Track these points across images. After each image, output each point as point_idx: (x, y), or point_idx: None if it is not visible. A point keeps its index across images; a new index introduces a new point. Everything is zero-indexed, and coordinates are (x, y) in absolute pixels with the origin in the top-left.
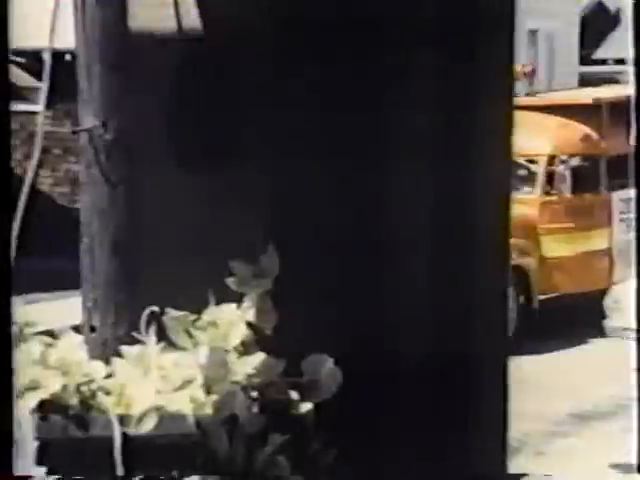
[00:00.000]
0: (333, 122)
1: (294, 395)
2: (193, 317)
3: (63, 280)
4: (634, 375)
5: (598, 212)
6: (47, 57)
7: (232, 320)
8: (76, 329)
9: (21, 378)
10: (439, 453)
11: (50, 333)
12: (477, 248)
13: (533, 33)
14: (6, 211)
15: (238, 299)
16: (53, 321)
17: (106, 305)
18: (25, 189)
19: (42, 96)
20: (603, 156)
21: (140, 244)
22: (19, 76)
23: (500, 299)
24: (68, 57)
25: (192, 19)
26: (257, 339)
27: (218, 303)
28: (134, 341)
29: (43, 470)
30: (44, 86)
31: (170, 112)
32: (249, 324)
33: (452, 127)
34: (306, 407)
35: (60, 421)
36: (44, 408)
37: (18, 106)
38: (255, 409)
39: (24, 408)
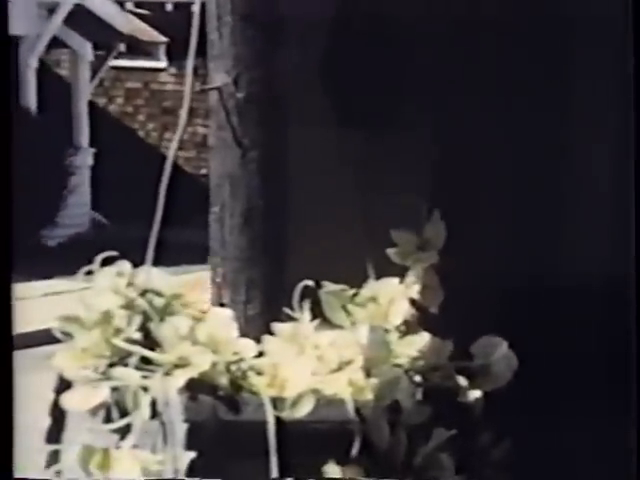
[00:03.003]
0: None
1: (462, 381)
2: (352, 292)
3: (188, 253)
4: None
5: None
6: (196, 8)
7: (394, 296)
8: None
9: (169, 354)
10: (621, 443)
11: None
12: None
13: None
14: (6, 203)
15: (401, 273)
16: None
17: (237, 281)
18: (169, 160)
19: (190, 52)
20: None
21: (276, 213)
22: (141, 30)
23: None
24: (195, 8)
25: None
26: (421, 318)
27: (378, 277)
28: (271, 320)
29: (191, 456)
30: (192, 42)
31: (322, 68)
32: (412, 301)
33: None
34: (475, 395)
35: (210, 402)
36: (193, 387)
37: (140, 62)
38: (419, 396)
39: (172, 387)
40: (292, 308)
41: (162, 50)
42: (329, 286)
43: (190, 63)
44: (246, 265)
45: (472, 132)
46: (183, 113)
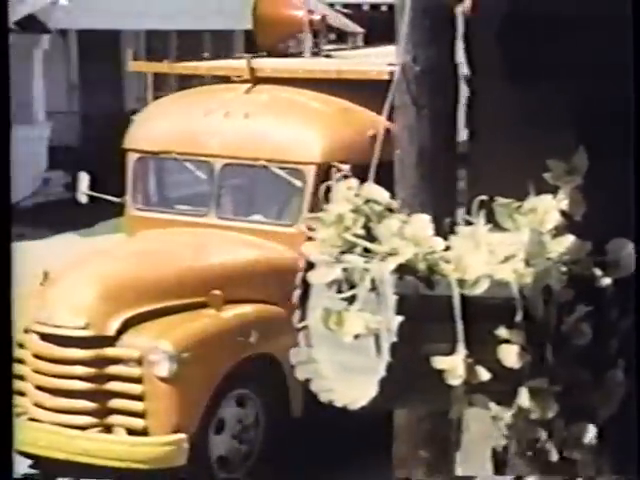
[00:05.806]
0: None
1: (597, 272)
2: (517, 204)
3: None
4: None
5: None
6: (408, 3)
7: (548, 208)
8: None
9: (384, 246)
10: None
11: None
12: None
13: None
14: (6, 195)
15: (553, 191)
16: None
17: (412, 203)
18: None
19: (401, 39)
20: None
21: (444, 154)
22: (346, 23)
23: None
24: (384, 8)
25: None
26: (568, 224)
27: (537, 194)
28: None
29: (400, 319)
30: (402, 32)
31: (486, 42)
32: (562, 212)
33: None
34: (607, 281)
35: (413, 281)
36: (401, 270)
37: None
38: (565, 282)
39: (386, 269)
40: (470, 214)
41: (360, 38)
42: (500, 200)
43: (400, 49)
44: (418, 192)
45: (610, 85)
46: (393, 85)
